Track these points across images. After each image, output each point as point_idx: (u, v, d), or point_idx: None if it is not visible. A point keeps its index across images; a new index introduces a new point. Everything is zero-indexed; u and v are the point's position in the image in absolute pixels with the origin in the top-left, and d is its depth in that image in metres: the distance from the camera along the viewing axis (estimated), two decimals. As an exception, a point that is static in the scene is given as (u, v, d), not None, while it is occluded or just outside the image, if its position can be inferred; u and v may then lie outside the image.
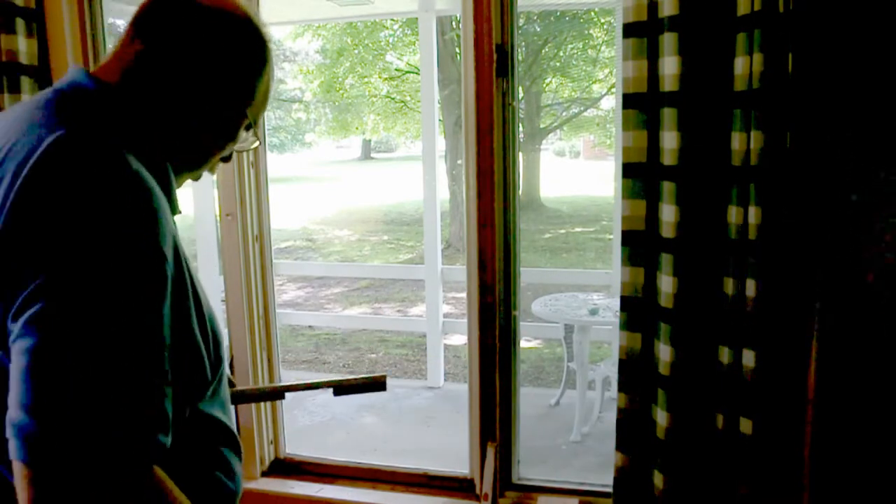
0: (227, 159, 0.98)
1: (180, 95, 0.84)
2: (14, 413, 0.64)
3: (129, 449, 0.65)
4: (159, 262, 0.71)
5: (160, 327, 0.71)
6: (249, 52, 0.87)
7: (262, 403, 2.38)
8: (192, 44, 0.83)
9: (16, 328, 0.66)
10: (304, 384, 1.36)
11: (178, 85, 0.83)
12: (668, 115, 1.70)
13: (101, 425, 0.63)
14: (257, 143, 0.98)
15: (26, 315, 0.65)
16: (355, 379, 1.34)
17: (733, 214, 1.70)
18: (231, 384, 1.21)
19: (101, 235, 0.68)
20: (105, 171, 0.71)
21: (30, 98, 0.90)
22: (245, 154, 2.24)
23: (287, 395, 1.38)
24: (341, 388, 1.33)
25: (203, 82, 0.84)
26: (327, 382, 1.33)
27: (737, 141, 1.67)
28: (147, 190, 0.73)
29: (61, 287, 0.65)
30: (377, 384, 1.33)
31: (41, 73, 2.28)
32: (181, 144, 0.86)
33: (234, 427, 0.93)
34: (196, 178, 0.95)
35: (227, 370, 0.93)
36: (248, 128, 0.93)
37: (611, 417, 2.15)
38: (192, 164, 0.91)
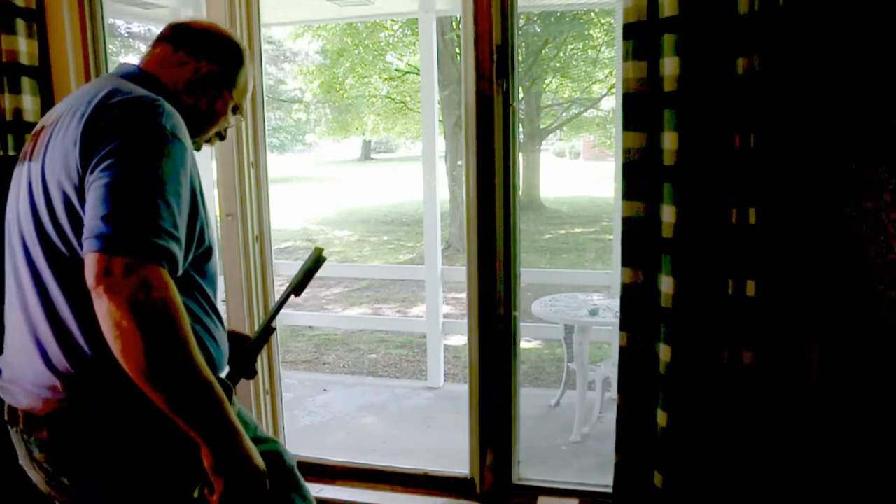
0: (222, 137, 1.40)
1: (192, 81, 1.28)
2: (93, 223, 0.99)
3: (158, 245, 1.00)
4: (183, 144, 1.09)
5: (190, 191, 1.09)
6: (231, 55, 1.32)
7: (262, 403, 2.38)
8: (199, 49, 1.29)
9: (93, 177, 1.02)
10: (276, 305, 1.44)
11: (191, 74, 1.28)
12: (668, 115, 1.70)
13: (145, 228, 0.99)
14: (242, 120, 1.43)
15: (103, 164, 1.02)
16: (302, 273, 1.40)
17: (733, 215, 1.70)
18: (243, 340, 1.45)
19: (148, 122, 1.07)
20: (148, 96, 1.12)
21: (91, 81, 1.40)
22: (245, 154, 2.24)
23: (274, 325, 1.47)
24: (298, 286, 1.41)
25: (204, 73, 1.28)
26: (287, 292, 1.42)
27: (737, 141, 1.67)
28: (171, 107, 1.11)
29: (126, 148, 1.03)
30: (318, 260, 1.41)
31: (41, 73, 2.28)
32: (189, 114, 1.21)
33: (219, 311, 1.26)
34: (198, 149, 1.31)
35: (218, 265, 1.28)
36: (234, 110, 1.36)
37: (611, 418, 2.14)
38: (194, 133, 1.24)
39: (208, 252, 1.19)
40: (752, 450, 1.76)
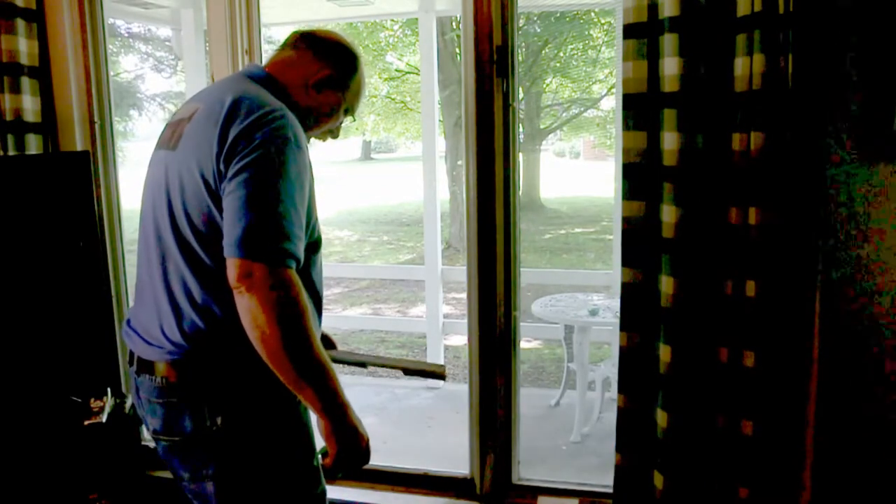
0: (334, 135, 1.54)
1: (310, 83, 1.41)
2: (234, 231, 1.15)
3: (288, 250, 1.17)
4: (303, 150, 1.24)
5: (307, 193, 1.25)
6: (345, 61, 1.45)
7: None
8: (319, 55, 1.42)
9: (230, 186, 1.17)
10: (383, 361, 1.63)
11: (310, 76, 1.41)
12: (668, 115, 1.70)
13: (277, 235, 1.16)
14: (352, 121, 1.55)
15: (238, 177, 1.17)
16: (419, 365, 1.64)
17: (733, 215, 1.70)
18: (331, 345, 1.64)
19: (274, 134, 1.20)
20: (273, 106, 1.25)
21: (222, 78, 1.50)
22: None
23: (368, 366, 1.61)
24: (409, 371, 1.60)
25: (321, 76, 1.41)
26: (395, 364, 1.62)
27: (737, 141, 1.67)
28: (292, 115, 1.26)
29: (258, 161, 1.17)
30: (435, 374, 1.59)
31: (41, 73, 2.28)
32: (305, 113, 1.39)
33: (322, 296, 1.41)
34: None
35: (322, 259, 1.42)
36: (346, 112, 1.49)
37: (611, 418, 2.14)
38: (308, 130, 1.42)
39: (316, 244, 1.36)
40: (752, 449, 1.76)
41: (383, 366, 1.64)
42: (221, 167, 1.19)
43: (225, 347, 1.25)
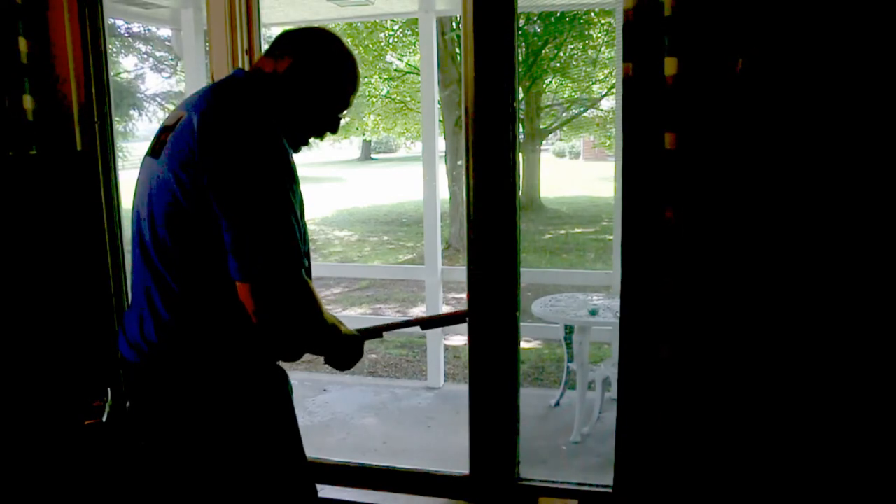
0: (334, 131, 1.51)
1: (304, 92, 1.39)
2: (246, 258, 1.21)
3: (298, 261, 1.25)
4: (291, 160, 1.28)
5: (296, 210, 1.27)
6: (346, 70, 1.44)
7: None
8: (316, 62, 1.40)
9: (225, 208, 1.21)
10: (398, 322, 1.70)
11: (304, 86, 1.39)
12: (669, 114, 1.70)
13: (287, 253, 1.24)
14: (346, 119, 1.56)
15: (233, 198, 1.21)
16: (438, 316, 1.73)
17: (733, 214, 1.70)
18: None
19: (265, 146, 1.24)
20: (260, 116, 1.29)
21: (210, 84, 1.49)
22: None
23: (385, 334, 1.65)
24: (428, 323, 1.70)
25: (316, 86, 1.40)
26: (416, 320, 1.69)
27: (735, 139, 1.67)
28: (277, 129, 1.28)
29: (256, 184, 1.23)
30: (458, 318, 1.70)
31: (41, 72, 2.28)
32: (292, 123, 1.39)
33: None
34: (301, 148, 1.49)
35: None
36: (339, 109, 1.47)
37: (611, 418, 2.14)
38: (298, 140, 1.43)
39: (306, 255, 1.40)
40: (753, 449, 1.76)
41: (399, 327, 1.70)
42: (205, 182, 1.22)
43: (204, 348, 1.31)
